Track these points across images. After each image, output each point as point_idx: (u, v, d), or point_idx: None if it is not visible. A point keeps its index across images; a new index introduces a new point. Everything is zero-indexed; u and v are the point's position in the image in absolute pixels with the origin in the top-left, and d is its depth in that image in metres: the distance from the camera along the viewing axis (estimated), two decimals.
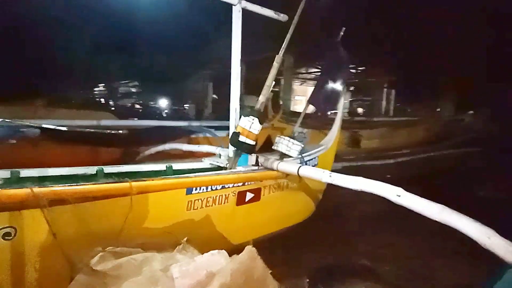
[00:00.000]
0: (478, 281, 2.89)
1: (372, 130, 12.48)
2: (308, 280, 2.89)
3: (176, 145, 4.57)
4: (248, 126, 3.14)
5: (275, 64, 3.25)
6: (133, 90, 18.65)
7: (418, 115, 17.29)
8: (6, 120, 4.06)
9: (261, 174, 3.35)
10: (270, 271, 1.94)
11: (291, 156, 3.72)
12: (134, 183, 2.40)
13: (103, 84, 17.23)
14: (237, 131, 3.21)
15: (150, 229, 2.61)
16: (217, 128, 6.99)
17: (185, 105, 16.36)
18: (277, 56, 3.26)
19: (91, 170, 3.14)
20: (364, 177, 2.64)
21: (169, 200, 2.80)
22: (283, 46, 3.26)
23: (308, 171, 3.03)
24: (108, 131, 4.11)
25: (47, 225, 2.04)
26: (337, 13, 8.17)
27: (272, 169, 3.34)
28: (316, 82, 5.02)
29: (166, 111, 16.86)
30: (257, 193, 3.50)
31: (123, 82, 18.04)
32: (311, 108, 5.13)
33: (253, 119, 3.13)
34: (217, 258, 1.87)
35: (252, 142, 3.19)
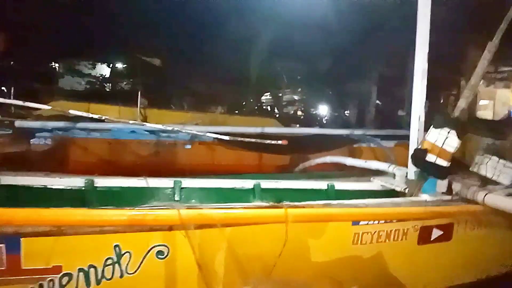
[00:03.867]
0: None
1: None
2: None
3: (339, 159, 4.02)
4: (441, 142, 2.32)
5: (487, 55, 2.31)
6: (296, 97, 19.10)
7: None
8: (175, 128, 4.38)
9: (458, 209, 2.46)
10: None
11: (500, 183, 2.66)
12: (290, 210, 1.97)
13: (270, 92, 18.22)
14: (423, 148, 2.42)
15: (306, 265, 2.14)
16: (384, 137, 6.13)
17: (346, 111, 15.66)
18: (489, 43, 2.31)
19: (248, 184, 2.91)
20: None
21: (330, 231, 2.27)
22: (500, 28, 2.29)
23: None
24: (268, 141, 3.95)
25: (193, 252, 1.80)
26: None
27: (475, 202, 2.40)
28: None
29: (327, 117, 16.56)
30: (447, 230, 2.61)
31: (287, 89, 18.72)
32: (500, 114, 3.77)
33: (448, 132, 2.29)
34: None
35: (446, 164, 2.34)
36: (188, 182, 2.81)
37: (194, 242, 1.85)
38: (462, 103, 2.34)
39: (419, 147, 2.47)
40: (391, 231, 2.45)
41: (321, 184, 3.01)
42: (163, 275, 2.02)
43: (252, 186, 2.89)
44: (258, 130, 6.06)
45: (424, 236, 2.54)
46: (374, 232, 2.42)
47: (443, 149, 2.31)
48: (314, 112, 17.07)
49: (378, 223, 2.42)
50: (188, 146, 5.41)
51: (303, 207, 2.07)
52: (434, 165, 2.35)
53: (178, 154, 5.33)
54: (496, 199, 2.25)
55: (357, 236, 2.38)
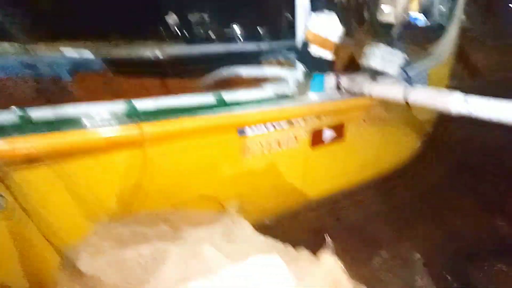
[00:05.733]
0: None
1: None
2: (423, 262, 1.89)
3: (234, 70, 3.65)
4: (323, 29, 2.04)
5: None
6: (204, 15, 17.84)
7: None
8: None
9: (345, 104, 2.31)
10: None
11: (388, 74, 2.57)
12: (147, 127, 1.61)
13: (174, 12, 16.69)
14: (305, 39, 2.14)
15: (189, 189, 1.87)
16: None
17: (257, 27, 15.09)
18: None
19: (119, 107, 2.42)
20: None
21: (210, 147, 1.99)
22: None
23: (423, 96, 1.89)
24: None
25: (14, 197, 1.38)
26: None
27: (362, 95, 2.27)
28: None
29: (236, 33, 15.78)
30: (339, 130, 2.50)
31: (192, 8, 17.29)
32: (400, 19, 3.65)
33: (329, 16, 2.01)
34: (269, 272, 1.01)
35: (329, 55, 2.11)
36: (39, 113, 2.23)
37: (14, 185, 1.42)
38: None
39: (304, 39, 2.19)
40: (282, 138, 2.27)
41: (208, 98, 2.64)
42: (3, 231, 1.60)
43: (126, 110, 2.41)
44: (158, 52, 5.41)
45: (316, 139, 2.41)
46: (264, 141, 2.21)
47: (325, 39, 2.06)
48: (225, 31, 16.16)
49: (267, 131, 2.20)
50: (68, 78, 4.60)
51: (165, 122, 1.73)
52: (317, 58, 2.11)
53: (61, 88, 4.52)
54: (379, 89, 2.12)
55: (245, 147, 2.15)
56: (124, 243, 1.26)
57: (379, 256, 1.96)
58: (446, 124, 3.05)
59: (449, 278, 1.80)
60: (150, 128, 1.65)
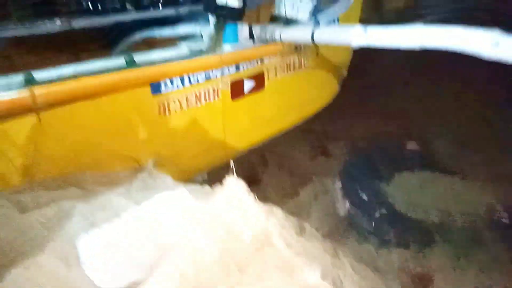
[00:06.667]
0: None
1: None
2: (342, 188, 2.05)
3: (146, 33, 3.47)
4: None
5: None
6: None
7: None
8: None
9: (261, 51, 2.31)
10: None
11: (298, 21, 2.61)
12: (38, 89, 1.48)
13: None
14: None
15: (95, 155, 1.77)
16: None
17: None
18: None
19: (15, 79, 2.18)
20: None
21: (121, 107, 1.89)
22: None
23: (327, 34, 1.95)
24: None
25: None
26: None
27: (274, 42, 2.29)
28: None
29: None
30: (259, 79, 2.52)
31: None
32: None
33: None
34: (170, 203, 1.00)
35: (236, 3, 2.07)
36: None
37: None
38: None
39: None
40: (200, 92, 2.22)
41: (117, 61, 2.48)
42: None
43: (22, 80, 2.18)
44: (63, 24, 4.94)
45: (236, 90, 2.40)
46: (182, 98, 2.15)
47: None
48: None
49: (183, 87, 2.14)
50: None
51: (65, 82, 1.60)
52: (224, 8, 2.06)
53: None
54: (288, 33, 2.15)
55: (162, 106, 2.08)
56: (25, 209, 1.16)
57: (305, 188, 2.07)
58: (360, 66, 3.24)
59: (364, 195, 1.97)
60: (44, 90, 1.51)
